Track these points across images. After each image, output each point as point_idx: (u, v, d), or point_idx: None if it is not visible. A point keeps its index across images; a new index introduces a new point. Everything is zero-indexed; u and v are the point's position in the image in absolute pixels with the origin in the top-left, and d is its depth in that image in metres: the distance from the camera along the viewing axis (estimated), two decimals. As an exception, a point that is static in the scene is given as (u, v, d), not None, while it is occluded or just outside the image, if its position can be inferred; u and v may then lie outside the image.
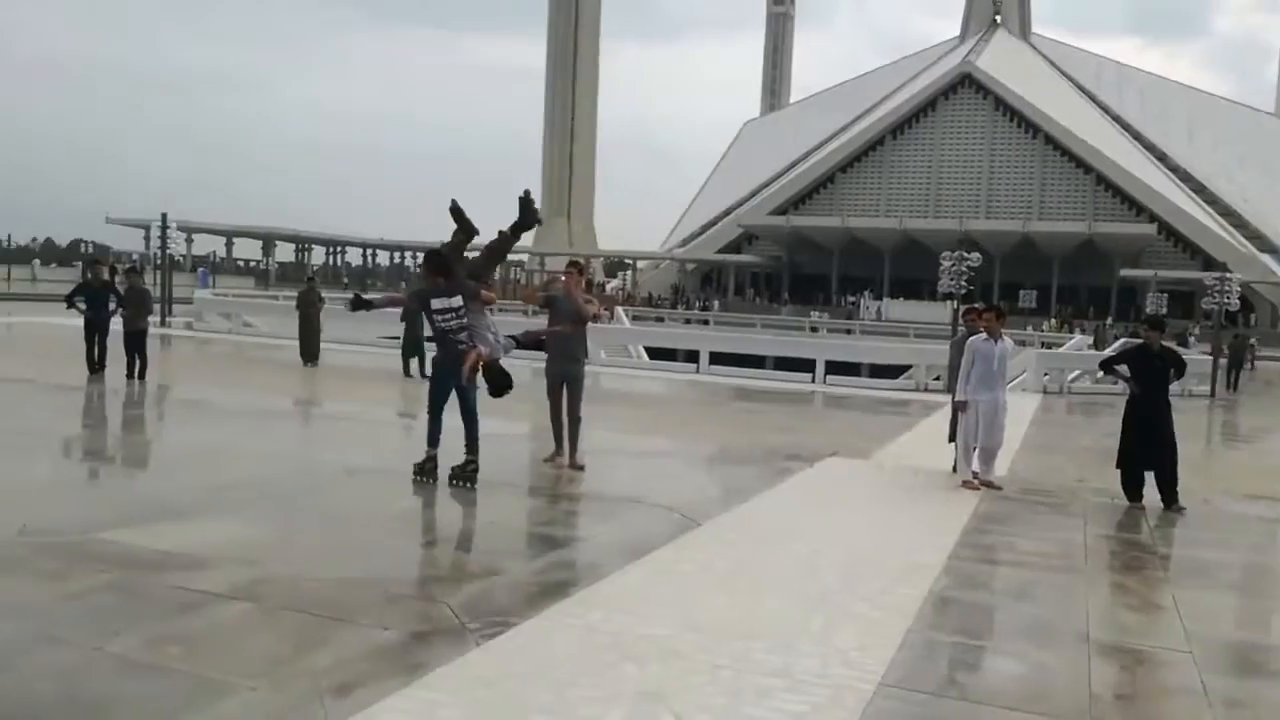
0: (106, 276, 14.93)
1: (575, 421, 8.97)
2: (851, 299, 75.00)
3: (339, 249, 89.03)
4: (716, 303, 71.64)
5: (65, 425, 10.92)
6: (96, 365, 14.05)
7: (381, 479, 8.20)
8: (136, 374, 13.75)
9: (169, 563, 5.46)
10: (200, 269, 56.88)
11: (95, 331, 14.08)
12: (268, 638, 4.38)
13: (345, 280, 73.75)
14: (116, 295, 14.37)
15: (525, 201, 8.30)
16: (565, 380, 9.00)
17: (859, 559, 6.31)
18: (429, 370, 10.19)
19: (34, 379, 13.59)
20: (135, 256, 48.61)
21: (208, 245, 74.63)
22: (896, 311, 67.54)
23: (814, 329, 53.00)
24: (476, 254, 8.56)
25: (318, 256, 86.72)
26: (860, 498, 8.68)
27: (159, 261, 33.01)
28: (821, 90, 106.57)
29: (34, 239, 60.61)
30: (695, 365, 23.93)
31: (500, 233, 8.37)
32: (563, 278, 9.28)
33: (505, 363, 7.70)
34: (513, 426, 11.81)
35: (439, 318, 7.92)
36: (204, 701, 3.66)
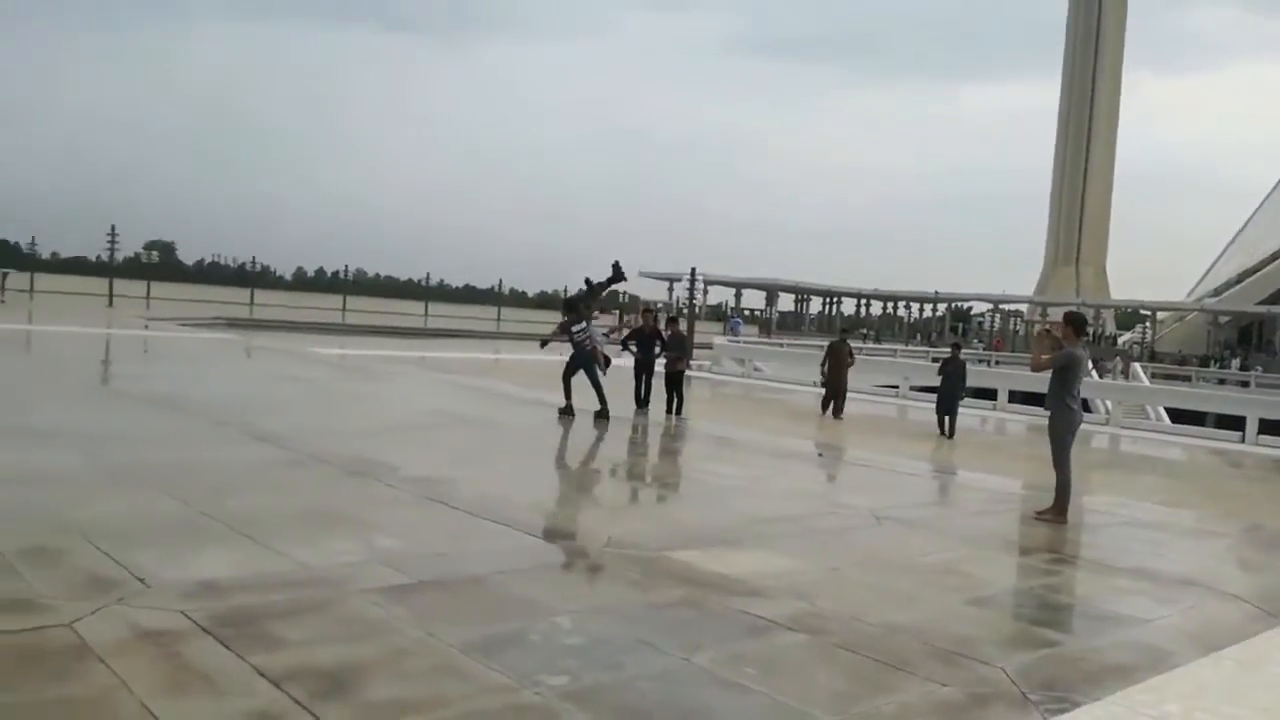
0: (654, 324, 16.88)
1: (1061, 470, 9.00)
2: None
3: (834, 299, 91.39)
4: (1259, 367, 61.19)
5: (623, 451, 12.58)
6: (643, 400, 15.87)
7: (907, 530, 8.26)
8: (674, 409, 15.37)
9: (730, 586, 5.99)
10: (734, 318, 61.50)
11: (643, 371, 15.91)
12: (830, 674, 4.60)
13: (866, 331, 75.62)
14: (661, 340, 16.18)
15: (615, 266, 15.19)
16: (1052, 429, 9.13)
17: None
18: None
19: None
20: (659, 305, 54.40)
21: (718, 295, 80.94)
22: None
23: (1395, 394, 43.39)
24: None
25: (814, 306, 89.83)
26: None
27: (682, 309, 36.67)
28: None
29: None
30: (1240, 433, 21.21)
31: (595, 284, 15.11)
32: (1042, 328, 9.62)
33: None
34: (1010, 484, 11.36)
35: (576, 334, 14.06)
36: (786, 725, 3.95)
